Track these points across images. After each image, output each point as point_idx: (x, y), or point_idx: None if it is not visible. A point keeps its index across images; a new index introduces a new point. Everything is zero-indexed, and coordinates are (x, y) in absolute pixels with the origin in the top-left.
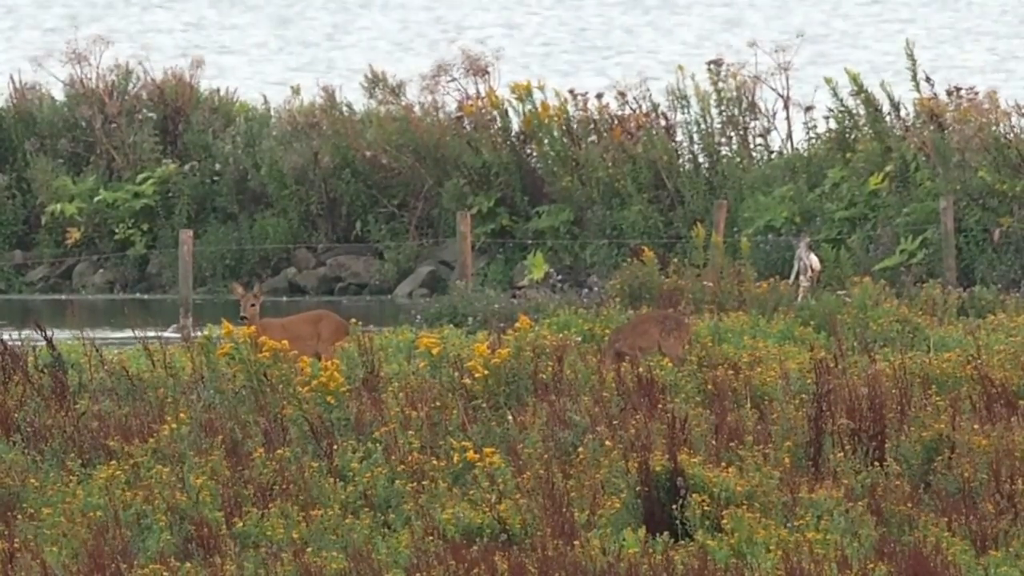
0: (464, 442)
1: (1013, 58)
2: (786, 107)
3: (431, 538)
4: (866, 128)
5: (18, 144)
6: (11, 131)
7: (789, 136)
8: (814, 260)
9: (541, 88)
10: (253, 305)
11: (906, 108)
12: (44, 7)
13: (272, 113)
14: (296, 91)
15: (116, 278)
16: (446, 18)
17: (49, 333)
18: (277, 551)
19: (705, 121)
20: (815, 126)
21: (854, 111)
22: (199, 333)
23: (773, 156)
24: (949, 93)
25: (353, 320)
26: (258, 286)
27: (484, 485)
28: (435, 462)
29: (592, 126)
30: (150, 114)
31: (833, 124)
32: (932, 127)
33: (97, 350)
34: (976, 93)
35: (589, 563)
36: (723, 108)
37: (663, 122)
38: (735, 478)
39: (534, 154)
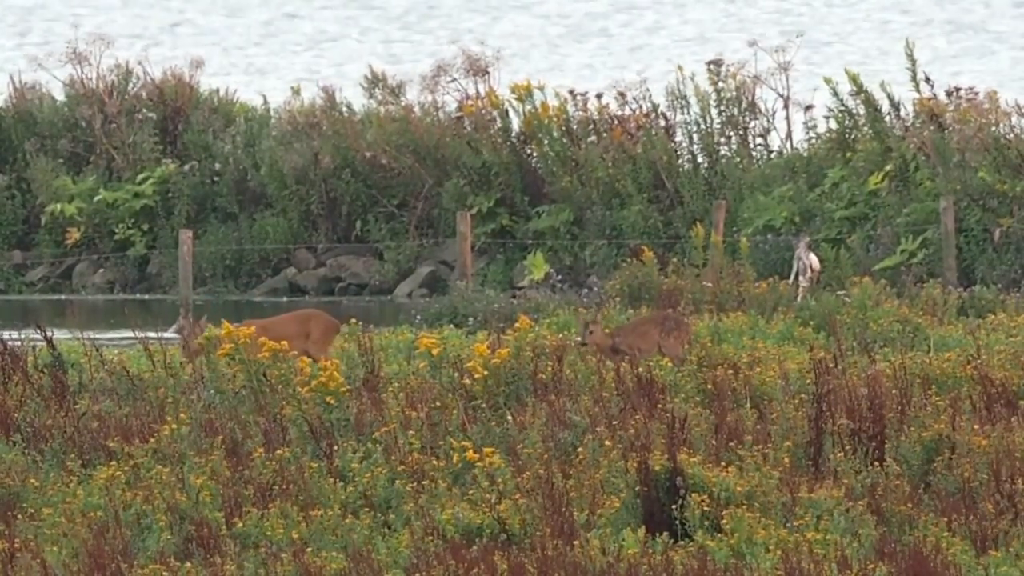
0: (464, 442)
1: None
2: (786, 107)
3: (431, 538)
4: (866, 128)
5: (18, 144)
6: (11, 131)
7: (789, 136)
8: (814, 260)
9: (541, 88)
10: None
11: (906, 108)
12: (44, 7)
13: (272, 113)
14: (296, 91)
15: (116, 278)
16: (446, 18)
17: (49, 333)
18: (277, 551)
19: (705, 121)
20: (815, 126)
21: (854, 111)
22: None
23: (773, 156)
24: (949, 93)
25: (353, 320)
26: (203, 320)
27: (484, 485)
28: (435, 462)
29: (592, 126)
30: (150, 114)
31: (833, 124)
32: (932, 127)
33: (97, 350)
34: (976, 93)
35: (589, 563)
36: (723, 108)
37: (663, 122)
38: (735, 478)
39: (534, 154)
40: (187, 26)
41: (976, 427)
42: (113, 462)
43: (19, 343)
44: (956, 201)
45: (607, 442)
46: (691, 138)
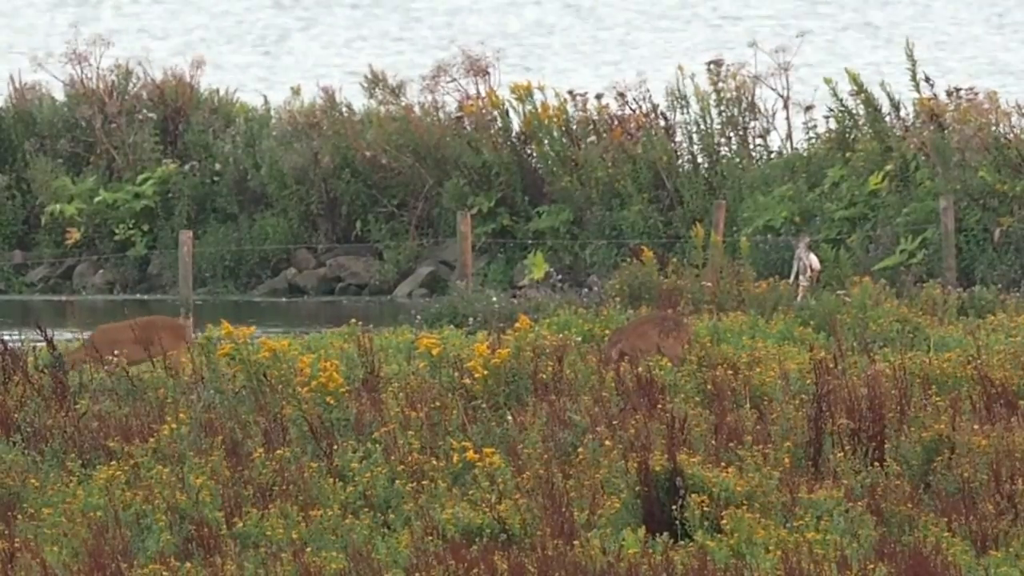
0: (464, 442)
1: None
2: (786, 107)
3: (431, 538)
4: (866, 128)
5: (18, 144)
6: (11, 131)
7: (789, 136)
8: (814, 260)
9: (541, 88)
10: None
11: (906, 108)
12: (44, 7)
13: (272, 113)
14: (296, 91)
15: (116, 279)
16: (446, 18)
17: (49, 333)
18: (277, 551)
19: (705, 121)
20: (815, 126)
21: (854, 111)
22: (198, 334)
23: (772, 156)
24: (949, 93)
25: (353, 320)
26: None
27: (484, 485)
28: (435, 462)
29: (592, 126)
30: (150, 114)
31: (833, 124)
32: (932, 127)
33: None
34: (976, 93)
35: (589, 563)
36: (723, 108)
37: (663, 122)
38: (735, 478)
39: (534, 154)
40: (187, 26)
41: (976, 427)
42: (113, 462)
43: (19, 343)
44: (956, 201)
45: (607, 442)
46: (691, 138)
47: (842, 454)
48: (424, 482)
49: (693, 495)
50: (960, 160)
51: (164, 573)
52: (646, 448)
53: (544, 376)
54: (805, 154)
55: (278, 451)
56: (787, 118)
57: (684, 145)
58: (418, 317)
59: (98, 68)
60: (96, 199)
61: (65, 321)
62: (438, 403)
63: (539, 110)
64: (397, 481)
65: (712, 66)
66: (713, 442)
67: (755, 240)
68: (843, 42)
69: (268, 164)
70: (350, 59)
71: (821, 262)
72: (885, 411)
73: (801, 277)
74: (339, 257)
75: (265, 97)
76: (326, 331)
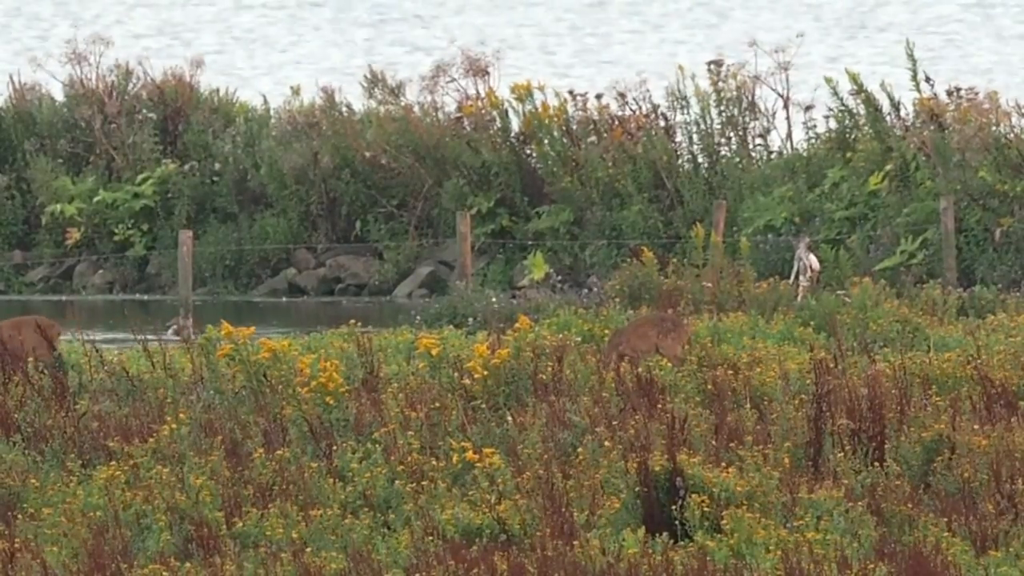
0: (464, 442)
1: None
2: (786, 107)
3: (431, 538)
4: (866, 128)
5: (18, 144)
6: (11, 131)
7: (789, 136)
8: (814, 260)
9: (541, 89)
10: None
11: (906, 108)
12: (44, 7)
13: (272, 113)
14: (296, 91)
15: (116, 279)
16: (447, 18)
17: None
18: (277, 551)
19: (705, 121)
20: (815, 126)
21: (854, 111)
22: (198, 335)
23: (773, 156)
24: (949, 93)
25: (352, 320)
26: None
27: (484, 485)
28: (435, 462)
29: (592, 127)
30: (150, 114)
31: (833, 124)
32: (932, 127)
33: (97, 351)
34: (976, 93)
35: (589, 563)
36: (723, 108)
37: (663, 122)
38: (735, 478)
39: (534, 154)
40: (187, 25)
41: (976, 427)
42: (113, 462)
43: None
44: (956, 201)
45: (607, 442)
46: (691, 138)
47: (842, 454)
48: (424, 482)
49: (693, 495)
50: (960, 160)
51: (164, 573)
52: (646, 448)
53: (544, 376)
54: (805, 154)
55: (278, 451)
56: (787, 118)
57: (684, 145)
58: (418, 317)
59: (98, 68)
60: (96, 199)
61: (65, 321)
62: (438, 403)
63: (539, 110)
64: (397, 481)
65: (712, 66)
66: (713, 442)
67: (755, 240)
68: (843, 42)
69: (268, 164)
70: (350, 59)
71: (821, 262)
72: (885, 411)
73: (801, 277)
74: (339, 257)
75: (265, 97)
76: (326, 331)
